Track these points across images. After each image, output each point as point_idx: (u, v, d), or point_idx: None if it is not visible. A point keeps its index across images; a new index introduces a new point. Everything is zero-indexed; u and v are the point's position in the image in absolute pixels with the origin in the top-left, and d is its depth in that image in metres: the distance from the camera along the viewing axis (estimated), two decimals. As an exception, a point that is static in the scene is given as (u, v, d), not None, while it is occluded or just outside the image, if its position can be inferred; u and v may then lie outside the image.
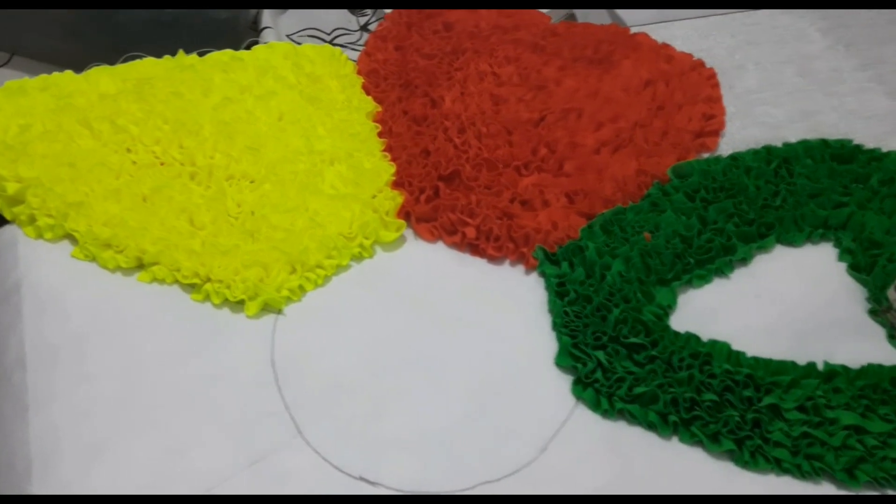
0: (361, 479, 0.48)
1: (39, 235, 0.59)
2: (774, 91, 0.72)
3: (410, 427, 0.51)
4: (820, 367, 0.53)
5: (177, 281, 0.57)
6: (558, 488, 0.48)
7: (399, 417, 0.51)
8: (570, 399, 0.53)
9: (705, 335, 0.55)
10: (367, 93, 0.70)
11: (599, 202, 0.62)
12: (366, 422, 0.51)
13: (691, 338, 0.54)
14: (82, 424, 0.49)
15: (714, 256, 0.59)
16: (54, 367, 0.52)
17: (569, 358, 0.54)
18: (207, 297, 0.56)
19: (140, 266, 0.57)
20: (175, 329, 0.55)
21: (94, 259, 0.58)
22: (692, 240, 0.60)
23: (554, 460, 0.50)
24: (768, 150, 0.66)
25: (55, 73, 0.67)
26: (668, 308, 0.57)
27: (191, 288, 0.57)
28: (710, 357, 0.53)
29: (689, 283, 0.59)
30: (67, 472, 0.47)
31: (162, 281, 0.57)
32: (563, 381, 0.53)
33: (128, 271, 0.57)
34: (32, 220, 0.59)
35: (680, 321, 0.56)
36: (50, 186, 0.58)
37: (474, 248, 0.60)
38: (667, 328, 0.55)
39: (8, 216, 0.60)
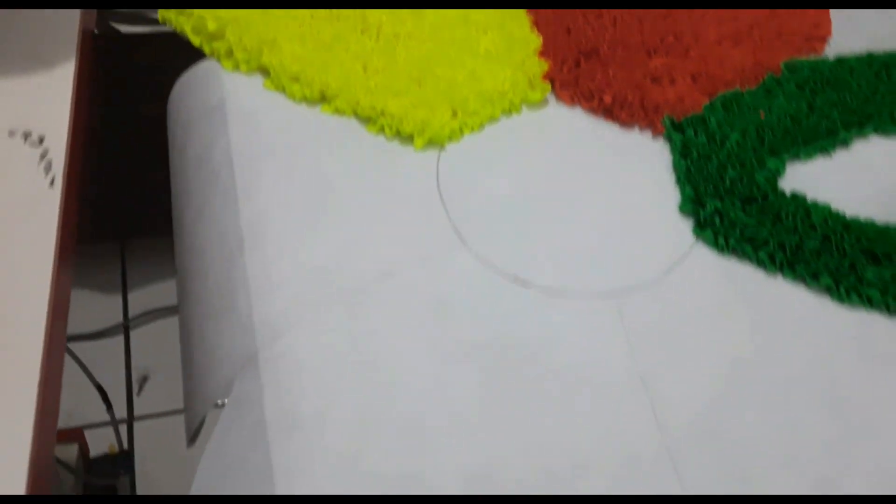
0: (516, 279, 0.60)
1: (236, 67, 0.70)
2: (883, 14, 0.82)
3: (559, 240, 0.62)
4: (908, 231, 0.64)
5: (355, 114, 0.68)
6: (680, 302, 0.60)
7: (549, 233, 0.63)
8: (691, 237, 0.64)
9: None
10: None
11: (721, 84, 0.72)
12: (520, 235, 0.62)
13: (796, 196, 0.65)
14: (285, 213, 0.61)
15: (819, 137, 0.70)
16: (258, 167, 0.63)
17: (690, 205, 0.65)
18: (381, 130, 0.67)
19: (322, 99, 0.69)
20: (354, 151, 0.66)
21: (283, 90, 0.69)
22: (801, 120, 0.70)
23: (677, 281, 0.61)
24: (870, 56, 0.76)
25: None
26: (777, 173, 0.68)
27: (366, 121, 0.68)
28: (811, 212, 0.64)
29: (797, 157, 0.69)
30: (272, 250, 0.59)
31: (342, 113, 0.68)
32: (685, 225, 0.65)
33: (312, 103, 0.69)
34: (230, 53, 0.70)
35: (785, 185, 0.67)
36: (246, 26, 0.69)
37: (608, 114, 0.71)
38: (775, 188, 0.66)
39: (207, 50, 0.71)
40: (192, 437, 0.57)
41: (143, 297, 1.34)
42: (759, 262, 0.62)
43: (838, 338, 0.58)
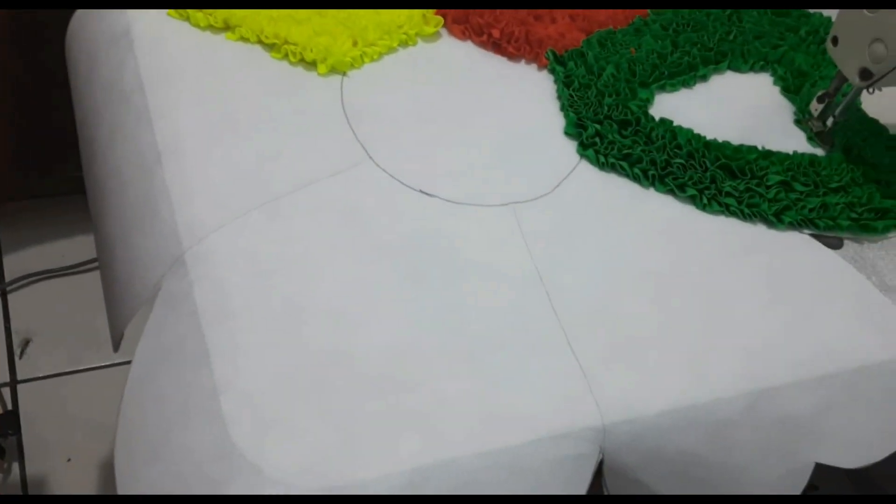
0: (421, 191, 0.65)
1: (138, -4, 0.72)
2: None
3: (458, 158, 0.68)
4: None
5: (259, 41, 0.71)
6: (569, 210, 0.66)
7: (450, 152, 0.68)
8: (576, 156, 0.71)
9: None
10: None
11: (596, 24, 0.80)
12: (423, 153, 0.68)
13: (665, 120, 0.73)
14: (199, 130, 0.64)
15: (682, 71, 0.79)
16: (169, 88, 0.66)
17: (574, 128, 0.72)
18: (286, 56, 0.71)
19: (226, 27, 0.72)
20: (261, 75, 0.70)
21: (187, 19, 0.72)
22: (667, 57, 0.79)
23: (566, 193, 0.68)
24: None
25: None
26: (647, 101, 0.76)
27: (270, 48, 0.72)
28: (677, 134, 0.72)
29: (663, 89, 0.78)
30: (190, 162, 0.62)
31: (246, 40, 0.71)
32: (569, 146, 0.72)
33: (216, 30, 0.72)
34: (133, -18, 0.72)
35: (653, 112, 0.75)
36: (149, -43, 0.71)
37: (497, 48, 0.78)
38: (647, 114, 0.74)
39: (109, -20, 0.73)
40: (117, 343, 0.59)
41: (19, 261, 1.32)
42: (635, 177, 0.70)
43: (701, 238, 0.67)
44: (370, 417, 0.51)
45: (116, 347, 0.60)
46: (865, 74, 0.69)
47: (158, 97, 0.65)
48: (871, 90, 0.71)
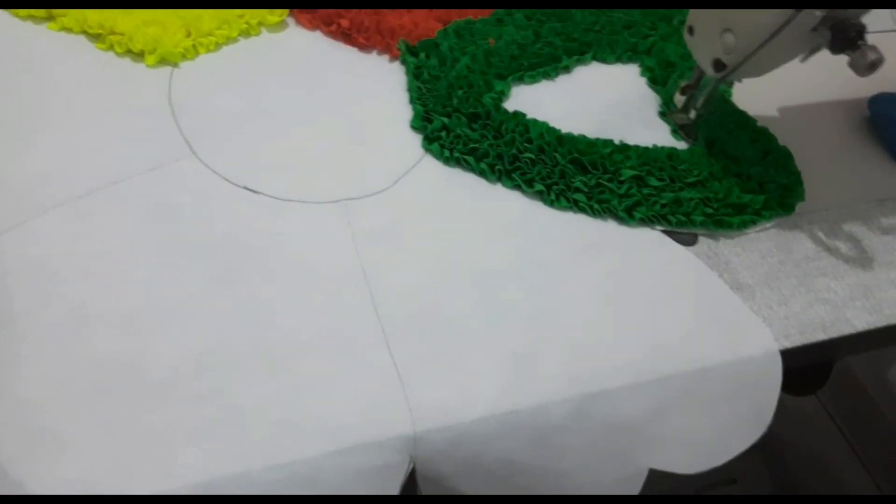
0: (245, 188, 0.63)
1: (-46, -15, 0.69)
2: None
3: (292, 154, 0.66)
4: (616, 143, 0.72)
5: (84, 32, 0.69)
6: (405, 207, 0.65)
7: (283, 147, 0.66)
8: (420, 151, 0.69)
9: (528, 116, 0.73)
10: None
11: (455, 13, 0.79)
12: (252, 148, 0.66)
13: (517, 114, 0.72)
14: (4, 121, 0.62)
15: (543, 63, 0.78)
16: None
17: (420, 121, 0.71)
18: (111, 47, 0.69)
19: (49, 18, 0.69)
20: (82, 66, 0.67)
21: (7, 8, 0.69)
22: (527, 47, 0.77)
23: (404, 190, 0.66)
24: (594, -9, 0.85)
25: None
26: (502, 94, 0.74)
27: (95, 38, 0.69)
28: (530, 127, 0.71)
29: (521, 80, 0.77)
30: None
31: (69, 31, 0.69)
32: (415, 139, 0.70)
33: (38, 20, 0.69)
34: (-52, -31, 0.69)
35: (510, 105, 0.74)
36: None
37: (347, 38, 0.76)
38: (499, 107, 0.73)
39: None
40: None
41: None
42: (481, 172, 0.68)
43: (546, 236, 0.65)
44: (150, 430, 0.49)
45: None
46: (719, 66, 0.68)
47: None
48: (729, 81, 0.70)
